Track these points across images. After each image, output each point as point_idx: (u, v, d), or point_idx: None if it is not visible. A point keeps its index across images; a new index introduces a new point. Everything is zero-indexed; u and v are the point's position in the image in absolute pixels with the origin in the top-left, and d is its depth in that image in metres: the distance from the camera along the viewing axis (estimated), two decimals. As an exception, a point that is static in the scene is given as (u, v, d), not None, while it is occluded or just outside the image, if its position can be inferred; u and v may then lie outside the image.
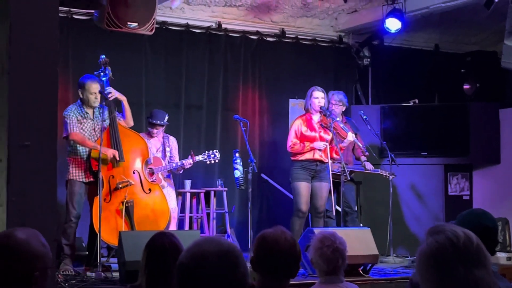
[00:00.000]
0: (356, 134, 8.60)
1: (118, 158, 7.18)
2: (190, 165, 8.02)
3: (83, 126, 7.18)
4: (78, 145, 7.15)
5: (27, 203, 3.02)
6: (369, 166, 8.69)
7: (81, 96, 7.25)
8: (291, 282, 6.07)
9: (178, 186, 8.90)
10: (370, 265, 6.85)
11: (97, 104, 7.24)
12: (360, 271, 6.78)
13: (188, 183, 8.85)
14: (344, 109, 8.67)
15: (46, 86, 2.97)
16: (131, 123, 7.57)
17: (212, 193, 8.98)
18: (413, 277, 3.63)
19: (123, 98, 7.46)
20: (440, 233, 1.92)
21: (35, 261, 2.23)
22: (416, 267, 2.01)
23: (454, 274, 1.85)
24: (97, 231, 6.75)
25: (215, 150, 8.20)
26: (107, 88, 7.34)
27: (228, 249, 1.85)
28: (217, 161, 8.21)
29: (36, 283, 2.21)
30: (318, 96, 7.96)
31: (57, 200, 7.98)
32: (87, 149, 7.16)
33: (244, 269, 1.86)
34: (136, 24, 6.32)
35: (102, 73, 7.42)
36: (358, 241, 6.75)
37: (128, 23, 6.26)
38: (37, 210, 3.05)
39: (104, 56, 7.47)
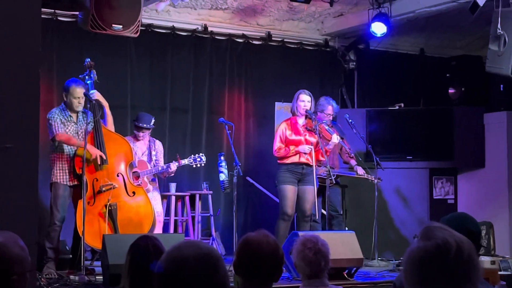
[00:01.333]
0: (342, 139, 8.61)
1: (103, 160, 7.15)
2: (174, 169, 7.97)
3: (66, 129, 7.15)
4: (63, 146, 7.11)
5: (7, 206, 2.98)
6: (360, 171, 8.66)
7: (65, 100, 7.22)
8: (275, 286, 6.07)
9: (163, 190, 8.87)
10: (354, 268, 6.85)
11: (80, 108, 7.22)
12: (345, 274, 6.78)
13: (173, 186, 8.83)
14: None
15: (27, 88, 2.94)
16: (112, 130, 7.53)
17: (197, 196, 8.97)
18: (396, 281, 3.63)
19: (105, 104, 7.43)
20: (431, 239, 1.84)
21: (13, 264, 2.21)
22: (402, 268, 1.94)
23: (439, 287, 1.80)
24: (80, 234, 6.72)
25: (201, 154, 8.18)
26: (91, 91, 7.32)
27: (208, 253, 1.83)
28: (203, 164, 8.18)
29: (14, 286, 2.19)
30: (304, 100, 7.95)
31: (38, 203, 7.98)
32: (72, 150, 7.13)
33: (224, 273, 1.85)
34: (121, 26, 6.31)
35: (87, 76, 7.40)
36: (343, 244, 6.75)
37: (113, 25, 6.24)
38: (18, 213, 3.02)
39: (89, 59, 7.44)
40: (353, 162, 8.76)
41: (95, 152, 7.10)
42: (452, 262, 1.79)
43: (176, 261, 1.80)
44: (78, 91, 7.16)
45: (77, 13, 6.63)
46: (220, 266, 1.84)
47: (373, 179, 8.56)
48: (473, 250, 1.84)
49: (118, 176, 7.35)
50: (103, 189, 7.17)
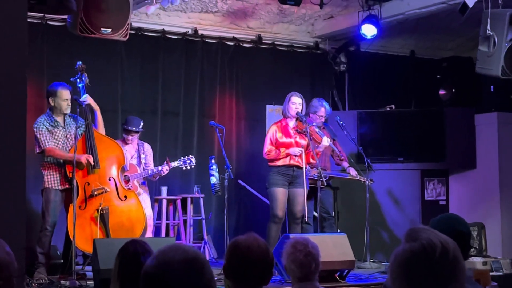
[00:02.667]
0: (334, 140, 8.62)
1: (92, 163, 7.13)
2: (167, 171, 7.96)
3: (55, 136, 7.13)
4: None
5: (-5, 212, 2.99)
6: (353, 172, 8.67)
7: (52, 104, 7.18)
8: (267, 289, 6.06)
9: (155, 193, 8.86)
10: (346, 270, 6.85)
11: (68, 111, 7.21)
12: (337, 277, 6.78)
13: (164, 189, 8.82)
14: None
15: (14, 93, 2.92)
16: (102, 127, 7.51)
17: (189, 200, 8.96)
18: (386, 283, 3.63)
19: (97, 108, 7.42)
20: (416, 240, 1.86)
21: (-1, 270, 2.19)
22: (389, 271, 1.97)
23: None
24: (71, 238, 6.69)
25: (191, 156, 8.16)
26: (83, 95, 7.30)
27: (194, 257, 1.82)
28: (193, 166, 8.17)
29: (1, 292, 2.17)
30: (296, 102, 7.95)
31: (30, 208, 7.96)
32: (63, 154, 7.12)
33: (210, 276, 1.84)
34: (110, 30, 6.28)
35: (78, 80, 7.38)
36: (334, 247, 6.76)
37: (102, 29, 6.22)
38: (6, 219, 3.00)
39: (80, 62, 7.43)
40: (345, 164, 8.76)
41: (83, 158, 7.05)
42: (437, 262, 1.81)
43: (161, 265, 1.80)
44: (66, 93, 7.14)
45: (66, 17, 6.60)
46: (206, 270, 1.83)
47: (365, 180, 8.56)
48: (458, 250, 1.86)
49: (109, 180, 7.33)
50: (95, 193, 7.15)
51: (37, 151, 7.10)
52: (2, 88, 2.98)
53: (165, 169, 7.89)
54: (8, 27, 3.00)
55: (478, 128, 10.03)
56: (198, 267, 1.81)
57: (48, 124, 7.12)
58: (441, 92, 10.56)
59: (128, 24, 6.37)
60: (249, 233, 3.16)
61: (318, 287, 4.19)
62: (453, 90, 10.42)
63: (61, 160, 7.12)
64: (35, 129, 7.05)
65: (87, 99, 7.30)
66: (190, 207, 8.95)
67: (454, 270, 1.83)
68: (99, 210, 7.10)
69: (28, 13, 7.99)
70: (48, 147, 7.02)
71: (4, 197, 2.99)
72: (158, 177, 8.09)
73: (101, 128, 7.45)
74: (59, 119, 7.21)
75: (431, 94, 10.64)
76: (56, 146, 7.11)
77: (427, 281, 1.81)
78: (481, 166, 9.93)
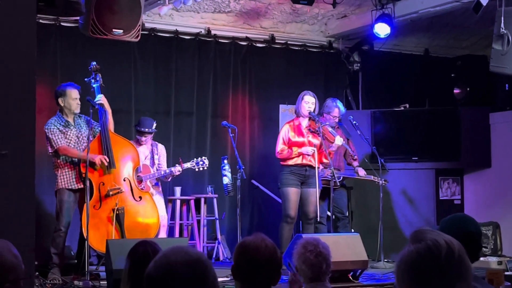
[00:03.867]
0: (348, 140, 8.59)
1: (106, 163, 7.15)
2: (179, 172, 7.97)
3: (67, 135, 7.16)
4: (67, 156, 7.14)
5: (4, 213, 2.98)
6: (362, 172, 8.66)
7: (62, 104, 7.22)
8: (280, 289, 6.05)
9: (168, 193, 8.87)
10: (359, 270, 6.83)
11: (78, 110, 7.24)
12: (350, 277, 6.75)
13: (178, 190, 8.82)
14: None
15: (23, 94, 2.94)
16: (112, 127, 7.53)
17: (202, 200, 8.97)
18: (396, 285, 3.61)
19: (108, 110, 7.44)
20: (421, 241, 1.87)
21: (5, 272, 2.20)
22: (395, 274, 1.98)
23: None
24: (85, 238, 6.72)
25: (203, 157, 8.16)
26: (98, 95, 7.33)
27: (197, 259, 1.81)
28: (205, 168, 8.17)
29: (7, 294, 2.18)
30: (309, 101, 7.93)
31: (39, 209, 8.00)
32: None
33: (214, 279, 1.83)
34: (121, 31, 6.29)
35: (93, 80, 7.42)
36: (347, 247, 6.73)
37: (113, 30, 6.23)
38: (15, 220, 3.01)
39: (95, 62, 7.46)
40: (355, 163, 8.74)
41: (97, 158, 7.09)
42: (444, 261, 1.82)
43: (164, 268, 1.79)
44: (75, 92, 7.18)
45: (78, 18, 6.63)
46: (209, 272, 1.82)
47: (379, 181, 8.53)
48: (463, 250, 1.87)
49: (124, 180, 7.35)
50: (110, 193, 7.17)
51: (50, 151, 7.14)
52: (12, 89, 2.99)
53: (177, 170, 7.90)
54: (17, 29, 3.01)
55: (493, 127, 9.96)
56: (201, 269, 1.81)
57: (59, 125, 7.16)
58: (456, 90, 10.50)
59: (139, 25, 6.38)
60: (257, 234, 3.15)
61: (328, 287, 4.18)
62: (468, 89, 10.35)
63: (75, 160, 7.15)
64: (46, 130, 7.09)
65: (101, 99, 7.32)
66: (203, 207, 8.96)
67: (461, 269, 1.83)
68: (115, 210, 7.12)
69: (41, 15, 8.10)
70: (61, 146, 7.05)
71: (14, 199, 3.01)
72: (170, 178, 8.10)
73: (111, 130, 7.47)
74: (70, 119, 7.25)
75: (445, 93, 10.57)
76: (68, 146, 7.14)
77: (433, 281, 1.82)
78: (496, 165, 9.86)
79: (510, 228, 9.37)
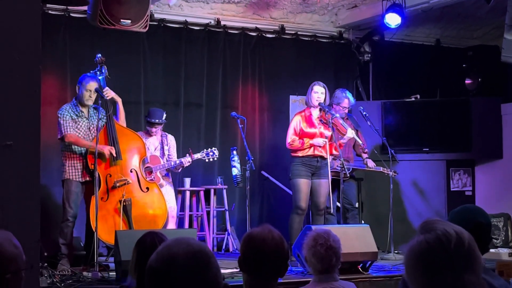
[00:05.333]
0: (357, 131, 8.55)
1: (115, 155, 7.15)
2: (189, 163, 7.97)
3: (78, 125, 7.17)
4: (73, 145, 7.13)
5: (9, 204, 2.96)
6: (371, 163, 8.62)
7: (78, 92, 7.24)
8: (290, 280, 6.04)
9: (178, 185, 8.86)
10: (369, 262, 6.80)
11: (90, 102, 7.23)
12: (360, 268, 6.73)
13: (187, 181, 8.81)
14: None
15: (28, 85, 2.92)
16: (124, 125, 7.53)
17: (212, 191, 8.95)
18: (405, 276, 3.57)
19: (118, 100, 7.45)
20: (431, 232, 1.86)
21: (6, 263, 2.18)
22: (404, 265, 1.96)
23: (442, 278, 1.80)
24: (93, 230, 6.73)
25: (213, 148, 8.15)
26: (104, 88, 7.32)
27: (199, 250, 1.79)
28: (215, 159, 8.16)
29: (8, 285, 2.16)
30: (318, 91, 7.88)
31: (52, 200, 8.01)
32: (84, 147, 7.15)
33: (216, 270, 1.81)
34: (129, 21, 6.27)
35: (98, 72, 7.42)
36: (357, 238, 6.70)
37: (121, 20, 6.21)
38: (20, 211, 3.00)
39: (100, 55, 7.44)
40: (364, 155, 8.69)
41: (105, 149, 7.10)
42: (453, 252, 1.80)
43: (166, 260, 1.77)
44: (91, 84, 7.17)
45: (84, 8, 6.61)
46: (212, 263, 1.80)
47: (389, 172, 8.48)
48: (473, 240, 1.85)
49: (131, 172, 7.35)
50: (117, 184, 7.18)
51: (58, 136, 7.15)
52: (16, 80, 2.97)
53: (186, 160, 7.89)
54: (22, 19, 2.99)
55: (504, 118, 9.89)
56: (203, 261, 1.78)
57: (72, 113, 7.17)
58: (467, 81, 10.43)
59: (147, 15, 6.35)
60: (264, 225, 3.12)
61: (337, 279, 4.16)
62: (479, 79, 10.28)
63: (83, 152, 7.15)
64: (59, 115, 7.11)
65: (108, 92, 7.32)
66: (213, 199, 8.94)
67: (470, 260, 1.82)
68: (122, 202, 7.13)
69: (50, 5, 8.09)
70: (68, 133, 7.06)
71: (19, 190, 2.99)
72: (180, 168, 8.09)
73: (122, 120, 7.48)
74: (84, 109, 7.25)
75: (457, 84, 10.51)
76: (78, 136, 7.15)
77: (443, 272, 1.80)
78: (508, 156, 9.80)
79: (521, 219, 9.32)
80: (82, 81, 7.22)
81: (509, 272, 4.86)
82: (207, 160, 8.14)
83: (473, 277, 1.81)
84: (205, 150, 8.14)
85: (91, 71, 7.42)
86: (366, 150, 8.68)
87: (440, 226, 1.86)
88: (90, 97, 7.20)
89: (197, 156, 8.00)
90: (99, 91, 7.17)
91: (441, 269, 1.80)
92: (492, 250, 7.91)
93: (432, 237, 1.84)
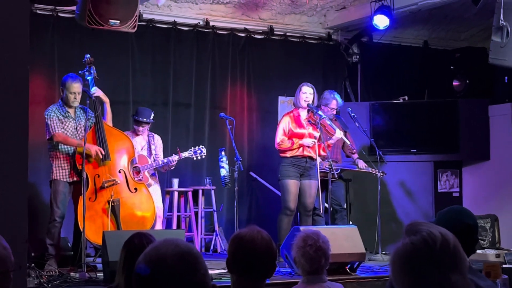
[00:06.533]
0: (345, 132, 8.57)
1: (101, 156, 7.13)
2: (174, 162, 7.95)
3: (65, 126, 7.14)
4: (61, 144, 7.11)
5: (-3, 205, 2.98)
6: (361, 164, 8.64)
7: (62, 95, 7.22)
8: (278, 281, 6.04)
9: (166, 185, 8.85)
10: (357, 263, 6.81)
11: (76, 104, 7.21)
12: (347, 269, 6.74)
13: (176, 181, 8.80)
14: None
15: (16, 85, 2.91)
16: (110, 119, 7.50)
17: (200, 192, 8.94)
18: (391, 277, 3.59)
19: (106, 100, 7.42)
20: (416, 234, 1.87)
21: (-5, 264, 2.17)
22: (390, 267, 1.97)
23: (428, 279, 1.81)
24: (81, 230, 6.71)
25: (201, 146, 8.15)
26: (92, 88, 7.30)
27: (187, 251, 1.78)
28: (203, 156, 8.16)
29: (-4, 286, 2.15)
30: (306, 92, 7.90)
31: (40, 200, 7.99)
32: (71, 148, 7.13)
33: (204, 271, 1.80)
34: (118, 21, 6.25)
35: (87, 72, 7.39)
36: (345, 239, 6.71)
37: (110, 20, 6.19)
38: (8, 211, 2.99)
39: (88, 55, 7.42)
40: (354, 156, 8.72)
41: (94, 149, 7.09)
42: (439, 252, 1.82)
43: (154, 261, 1.76)
44: (74, 86, 7.13)
45: (72, 8, 6.59)
46: (200, 264, 1.79)
47: (377, 173, 8.51)
48: (458, 242, 1.87)
49: (119, 172, 7.34)
50: (105, 185, 7.17)
51: (47, 137, 7.13)
52: (4, 80, 2.96)
53: (173, 159, 7.88)
54: (11, 18, 2.98)
55: (491, 119, 9.93)
56: (191, 262, 1.78)
57: (59, 113, 7.15)
58: (455, 83, 10.47)
59: (136, 15, 6.34)
60: (252, 226, 3.13)
61: (325, 280, 4.18)
62: (467, 81, 10.33)
63: (70, 152, 7.13)
64: (46, 116, 7.09)
65: (96, 91, 7.30)
66: (201, 199, 8.93)
67: (456, 260, 1.83)
68: (110, 202, 7.12)
69: (38, 5, 8.06)
70: (56, 133, 7.04)
71: (6, 190, 2.98)
72: (168, 169, 8.08)
73: (109, 120, 7.46)
74: (70, 110, 7.23)
75: (445, 85, 10.55)
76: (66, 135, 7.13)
77: (429, 273, 1.81)
78: (495, 158, 9.84)
79: (508, 220, 9.36)
80: (65, 83, 7.18)
81: (496, 273, 4.89)
82: (195, 158, 8.13)
83: (459, 277, 1.82)
84: (192, 148, 8.14)
85: (80, 71, 7.39)
86: (354, 150, 8.70)
87: (425, 228, 1.88)
88: (75, 99, 7.18)
89: (185, 154, 8.00)
90: (86, 91, 7.15)
91: (427, 270, 1.81)
92: (479, 251, 7.95)
93: (417, 238, 1.85)
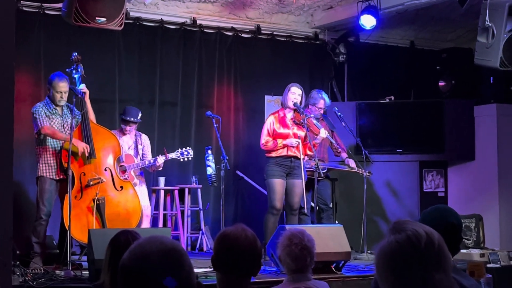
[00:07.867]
0: (332, 132, 8.59)
1: (91, 153, 7.12)
2: (161, 162, 7.94)
3: (51, 122, 7.13)
4: (48, 140, 7.09)
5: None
6: (352, 164, 8.64)
7: (49, 93, 7.21)
8: (263, 280, 6.05)
9: (152, 183, 8.85)
10: (342, 262, 6.83)
11: (62, 103, 7.20)
12: (333, 268, 6.76)
13: (162, 180, 8.79)
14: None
15: (1, 83, 2.89)
16: (93, 118, 7.47)
17: (186, 190, 8.94)
18: (376, 276, 3.61)
19: (86, 91, 7.37)
20: (401, 232, 1.88)
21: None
22: (374, 265, 1.98)
23: (413, 277, 1.83)
24: (67, 228, 6.69)
25: (188, 148, 8.15)
26: (80, 85, 7.29)
27: (172, 248, 1.79)
28: (190, 158, 8.16)
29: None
30: (295, 92, 7.91)
31: (26, 197, 7.96)
32: (58, 144, 7.11)
33: (189, 268, 1.81)
34: (105, 19, 6.24)
35: (74, 70, 7.38)
36: (330, 238, 6.74)
37: (96, 18, 6.18)
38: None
39: (76, 53, 7.40)
40: (344, 155, 8.74)
41: (81, 145, 7.08)
42: (423, 251, 1.83)
43: (138, 258, 1.77)
44: (61, 85, 7.12)
45: (56, 5, 6.57)
46: (185, 262, 1.80)
47: (363, 172, 8.53)
48: (442, 240, 1.88)
49: (105, 170, 7.33)
50: (91, 183, 7.15)
51: (35, 131, 7.12)
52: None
53: (160, 160, 7.88)
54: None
55: (477, 120, 9.99)
56: (176, 259, 1.78)
57: (46, 110, 7.14)
58: (441, 83, 10.52)
59: (123, 13, 6.33)
60: (237, 224, 3.13)
61: (310, 279, 4.19)
62: (453, 82, 10.38)
63: (57, 148, 7.12)
64: (33, 112, 7.09)
65: (84, 88, 7.29)
66: (187, 198, 8.93)
67: (440, 259, 1.84)
68: (95, 200, 7.10)
69: (25, 1, 8.03)
70: (45, 125, 7.03)
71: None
72: (156, 169, 8.08)
73: (90, 111, 7.40)
74: (57, 107, 7.21)
75: (431, 86, 10.60)
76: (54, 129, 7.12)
77: (413, 271, 1.82)
78: (480, 158, 9.90)
79: (493, 220, 9.43)
80: (51, 82, 7.17)
81: (480, 272, 4.92)
82: (181, 160, 8.14)
83: (443, 275, 1.83)
84: (179, 149, 8.14)
85: (67, 69, 7.37)
86: (340, 150, 8.72)
87: (410, 227, 1.89)
88: (62, 98, 7.17)
89: (172, 155, 8.00)
90: (73, 88, 7.14)
91: (412, 268, 1.82)
92: (463, 251, 7.99)
93: (402, 237, 1.86)
